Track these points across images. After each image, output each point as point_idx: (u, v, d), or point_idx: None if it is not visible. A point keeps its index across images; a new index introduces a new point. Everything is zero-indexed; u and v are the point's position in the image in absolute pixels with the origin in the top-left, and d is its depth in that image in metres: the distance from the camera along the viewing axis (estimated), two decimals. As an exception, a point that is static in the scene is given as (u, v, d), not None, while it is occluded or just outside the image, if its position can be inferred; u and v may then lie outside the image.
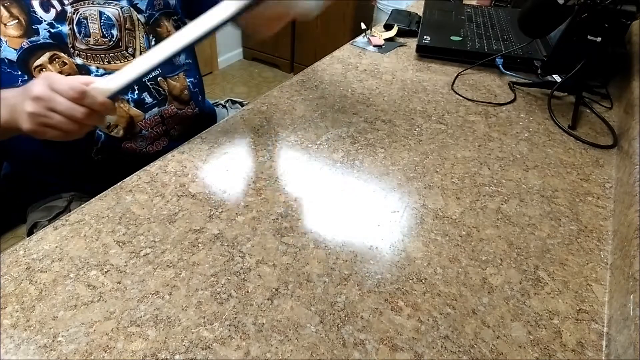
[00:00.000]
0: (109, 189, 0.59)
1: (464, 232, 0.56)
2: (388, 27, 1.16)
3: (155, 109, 0.74)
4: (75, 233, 0.52)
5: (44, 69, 0.63)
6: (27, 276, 0.47)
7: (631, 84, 0.85)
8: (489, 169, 0.67)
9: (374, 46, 1.07)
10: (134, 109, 0.71)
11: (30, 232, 0.77)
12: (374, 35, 1.10)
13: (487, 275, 0.50)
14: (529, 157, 0.71)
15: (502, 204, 0.61)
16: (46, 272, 0.47)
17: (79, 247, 0.50)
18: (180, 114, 0.78)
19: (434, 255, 0.52)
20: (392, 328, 0.44)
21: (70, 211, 0.73)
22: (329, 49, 1.08)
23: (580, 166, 0.69)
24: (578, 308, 0.48)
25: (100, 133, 0.70)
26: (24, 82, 0.62)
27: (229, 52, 3.03)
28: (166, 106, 0.76)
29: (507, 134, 0.76)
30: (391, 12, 1.24)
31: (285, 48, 2.88)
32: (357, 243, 0.53)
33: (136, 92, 0.72)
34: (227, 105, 1.04)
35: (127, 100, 0.70)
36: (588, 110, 0.85)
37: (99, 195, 0.58)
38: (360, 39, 1.10)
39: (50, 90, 0.52)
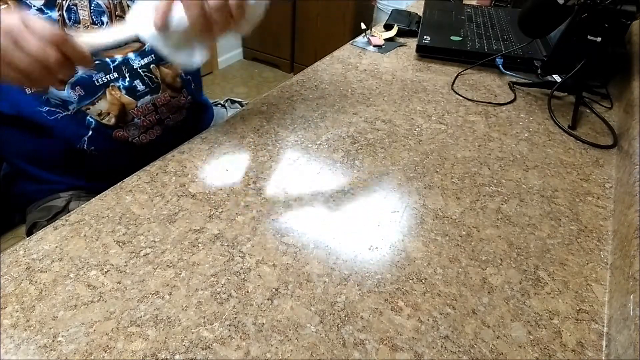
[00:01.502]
0: (109, 189, 0.59)
1: (464, 232, 0.56)
2: (388, 27, 1.16)
3: (148, 97, 0.74)
4: (75, 233, 0.52)
5: None
6: (27, 276, 0.47)
7: (631, 84, 0.85)
8: (489, 169, 0.67)
9: (374, 46, 1.07)
10: (126, 96, 0.71)
11: (29, 232, 0.77)
12: (374, 35, 1.10)
13: (487, 275, 0.50)
14: (529, 157, 0.71)
15: (502, 204, 0.61)
16: (46, 272, 0.47)
17: (79, 247, 0.50)
18: (173, 102, 0.78)
19: (434, 255, 0.52)
20: (392, 328, 0.44)
21: (68, 211, 0.73)
22: (329, 49, 1.08)
23: (580, 166, 0.69)
24: (578, 308, 0.48)
25: (91, 120, 0.69)
26: None
27: (229, 52, 3.03)
28: (159, 94, 0.75)
29: (507, 134, 0.76)
30: (391, 12, 1.24)
31: (285, 48, 2.88)
32: (357, 243, 0.53)
33: (127, 79, 0.71)
34: (226, 104, 1.04)
35: (119, 88, 0.70)
36: (588, 110, 0.85)
37: (99, 195, 0.58)
38: (360, 39, 1.10)
39: (24, 25, 0.46)
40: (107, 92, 0.69)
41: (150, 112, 0.75)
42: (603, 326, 0.46)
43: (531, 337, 0.44)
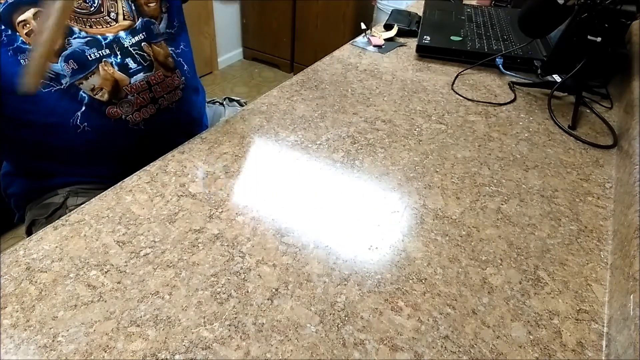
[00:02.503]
0: (109, 189, 0.59)
1: (464, 232, 0.56)
2: (388, 27, 1.16)
3: (141, 75, 0.74)
4: (75, 233, 0.52)
5: (27, 24, 0.63)
6: (27, 276, 0.47)
7: (631, 84, 0.85)
8: (489, 169, 0.67)
9: (374, 46, 1.07)
10: (119, 72, 0.71)
11: (28, 230, 0.77)
12: (374, 35, 1.10)
13: (487, 275, 0.50)
14: (529, 157, 0.71)
15: (502, 204, 0.61)
16: (46, 272, 0.47)
17: (79, 247, 0.50)
18: (167, 81, 0.78)
19: (434, 255, 0.52)
20: (392, 328, 0.44)
21: (66, 207, 0.73)
22: (329, 49, 1.08)
23: (580, 166, 0.69)
24: (578, 308, 0.48)
25: (84, 95, 0.69)
26: (8, 36, 0.62)
27: (229, 52, 3.03)
28: (152, 72, 0.75)
29: (507, 134, 0.76)
30: (391, 12, 1.24)
31: (285, 48, 2.88)
32: (357, 243, 0.53)
33: (119, 56, 0.71)
34: (224, 103, 1.04)
35: (111, 64, 0.70)
36: (588, 110, 0.85)
37: (99, 195, 0.58)
38: (360, 39, 1.10)
39: None
40: (100, 68, 0.69)
41: (144, 90, 0.74)
42: (603, 326, 0.46)
43: (531, 337, 0.44)
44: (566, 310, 0.47)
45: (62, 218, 0.54)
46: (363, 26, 1.11)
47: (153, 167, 0.63)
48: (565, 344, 0.44)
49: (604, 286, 0.50)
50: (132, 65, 0.72)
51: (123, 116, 0.73)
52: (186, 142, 0.69)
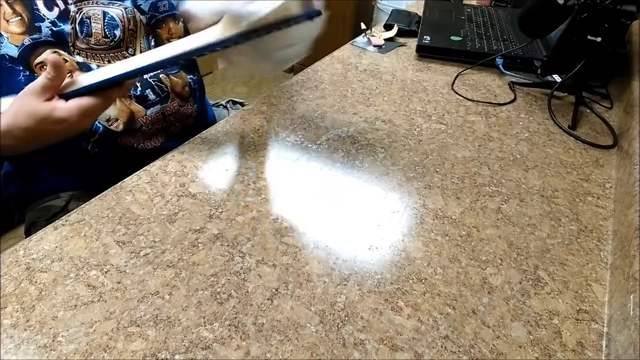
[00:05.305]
0: (109, 189, 0.59)
1: (464, 232, 0.56)
2: (388, 27, 1.16)
3: (158, 106, 0.74)
4: (75, 233, 0.52)
5: (45, 66, 0.63)
6: (27, 276, 0.47)
7: (631, 84, 0.85)
8: (489, 169, 0.67)
9: (374, 46, 1.07)
10: (136, 104, 0.71)
11: (27, 232, 0.77)
12: (374, 35, 1.10)
13: (487, 275, 0.50)
14: (529, 157, 0.71)
15: (502, 204, 0.61)
16: (46, 272, 0.47)
17: (79, 247, 0.50)
18: (181, 111, 0.78)
19: (434, 255, 0.52)
20: (392, 328, 0.44)
21: (67, 211, 0.73)
22: (329, 49, 1.08)
23: (580, 166, 0.69)
24: (578, 308, 0.48)
25: (98, 125, 0.69)
26: (26, 77, 0.62)
27: (229, 52, 3.03)
28: (168, 103, 0.76)
29: (507, 134, 0.76)
30: (391, 12, 1.24)
31: (285, 48, 2.88)
32: (357, 243, 0.53)
33: (139, 88, 0.72)
34: (227, 105, 1.05)
35: (130, 96, 0.70)
36: (588, 110, 0.85)
37: (99, 195, 0.58)
38: (360, 39, 1.10)
39: (86, 118, 0.54)
40: (117, 99, 0.69)
41: (158, 121, 0.75)
42: (603, 326, 0.46)
43: (531, 337, 0.44)
44: (566, 310, 0.47)
45: (62, 218, 0.54)
46: (363, 26, 1.11)
47: (153, 167, 0.63)
48: (565, 344, 0.44)
49: (604, 286, 0.50)
50: (151, 96, 0.73)
51: (135, 144, 0.73)
52: (186, 142, 0.69)
